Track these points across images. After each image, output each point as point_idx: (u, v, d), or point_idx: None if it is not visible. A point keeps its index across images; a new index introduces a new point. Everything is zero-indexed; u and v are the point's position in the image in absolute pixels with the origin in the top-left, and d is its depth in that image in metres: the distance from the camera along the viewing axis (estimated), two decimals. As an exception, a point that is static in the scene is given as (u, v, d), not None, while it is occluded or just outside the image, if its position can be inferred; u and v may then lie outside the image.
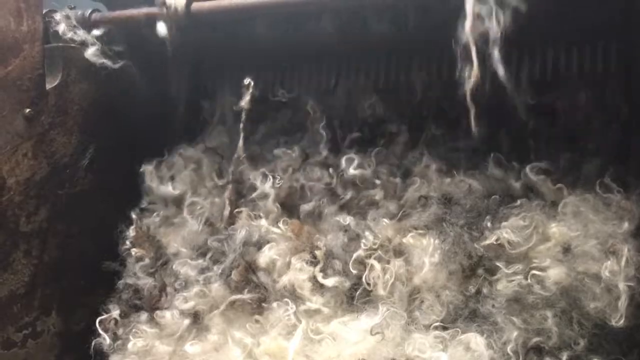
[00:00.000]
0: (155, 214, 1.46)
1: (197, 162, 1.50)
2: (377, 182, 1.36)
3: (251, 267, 1.26)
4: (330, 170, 1.40)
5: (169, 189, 1.47)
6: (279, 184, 1.38)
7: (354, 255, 1.24)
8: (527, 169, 1.28)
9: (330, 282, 1.23)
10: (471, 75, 1.10)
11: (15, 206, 1.27)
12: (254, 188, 1.40)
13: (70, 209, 1.37)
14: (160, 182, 1.47)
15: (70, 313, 1.38)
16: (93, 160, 1.41)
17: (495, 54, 1.09)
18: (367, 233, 1.26)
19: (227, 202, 1.40)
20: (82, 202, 1.39)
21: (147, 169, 1.48)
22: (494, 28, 1.09)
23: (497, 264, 1.18)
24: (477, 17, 1.09)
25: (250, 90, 1.37)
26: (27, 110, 1.28)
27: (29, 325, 1.30)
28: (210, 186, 1.46)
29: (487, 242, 1.20)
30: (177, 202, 1.47)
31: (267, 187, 1.38)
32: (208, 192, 1.46)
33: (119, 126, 1.45)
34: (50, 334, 1.34)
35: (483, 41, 1.10)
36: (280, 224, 1.32)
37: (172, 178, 1.48)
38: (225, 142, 1.54)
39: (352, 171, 1.38)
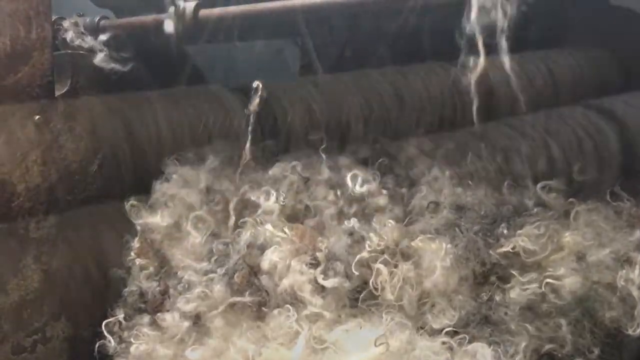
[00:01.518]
0: (156, 232, 1.42)
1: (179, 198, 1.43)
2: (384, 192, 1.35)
3: (253, 271, 1.25)
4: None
5: (157, 220, 1.40)
6: (283, 202, 1.35)
7: (357, 257, 1.22)
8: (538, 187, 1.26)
9: (329, 283, 1.20)
10: (477, 66, 1.08)
11: (25, 212, 1.28)
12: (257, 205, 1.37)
13: (79, 215, 1.37)
14: (150, 215, 1.41)
15: (79, 318, 1.37)
16: (102, 166, 1.41)
17: (503, 44, 1.08)
18: (371, 234, 1.24)
19: (232, 212, 1.38)
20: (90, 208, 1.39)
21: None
22: (501, 18, 1.07)
23: (512, 272, 1.17)
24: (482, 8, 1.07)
25: (260, 92, 1.35)
26: (37, 117, 1.29)
27: (38, 330, 1.30)
28: (205, 210, 1.41)
29: (504, 249, 1.19)
30: (176, 225, 1.43)
31: (270, 203, 1.35)
32: (206, 213, 1.41)
33: (127, 132, 1.45)
34: (59, 339, 1.34)
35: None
36: (285, 229, 1.29)
37: (166, 205, 1.42)
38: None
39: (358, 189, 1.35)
